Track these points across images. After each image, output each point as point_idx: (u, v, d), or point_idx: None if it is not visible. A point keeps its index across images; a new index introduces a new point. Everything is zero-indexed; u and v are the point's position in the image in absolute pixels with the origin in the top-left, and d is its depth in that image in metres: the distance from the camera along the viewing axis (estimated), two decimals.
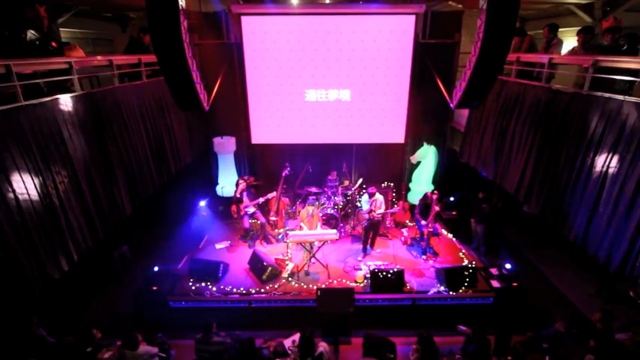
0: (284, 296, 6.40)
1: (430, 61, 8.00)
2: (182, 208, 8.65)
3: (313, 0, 9.82)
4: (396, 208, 8.05)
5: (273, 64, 8.37)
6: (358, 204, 8.17)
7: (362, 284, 6.66)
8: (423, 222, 7.29)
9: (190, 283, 6.65)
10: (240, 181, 7.76)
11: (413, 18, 8.02)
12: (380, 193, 7.45)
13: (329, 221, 8.19)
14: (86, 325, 4.70)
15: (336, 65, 8.36)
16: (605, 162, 4.85)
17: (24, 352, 4.31)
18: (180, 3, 4.64)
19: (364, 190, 7.58)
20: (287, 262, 7.03)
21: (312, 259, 7.11)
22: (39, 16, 4.85)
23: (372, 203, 7.23)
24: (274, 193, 7.87)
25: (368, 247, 7.63)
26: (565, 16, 9.03)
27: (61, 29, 8.18)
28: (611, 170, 4.78)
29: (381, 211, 7.35)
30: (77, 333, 4.61)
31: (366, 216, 7.27)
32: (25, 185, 4.24)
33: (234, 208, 7.82)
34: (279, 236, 8.25)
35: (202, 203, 8.54)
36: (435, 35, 8.30)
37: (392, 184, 9.32)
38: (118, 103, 6.05)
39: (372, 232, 7.56)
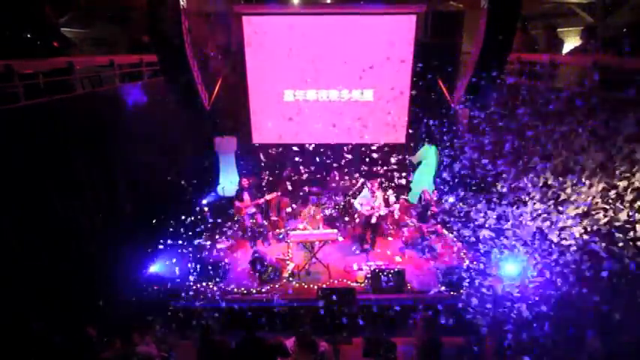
0: (284, 296, 6.40)
1: (431, 61, 7.99)
2: (183, 208, 8.64)
3: (314, 0, 9.82)
4: (393, 207, 7.99)
5: (274, 64, 8.38)
6: (357, 206, 8.12)
7: (363, 284, 6.66)
8: (424, 222, 7.27)
9: (191, 283, 6.66)
10: (242, 181, 7.78)
11: (414, 18, 8.04)
12: (380, 192, 7.45)
13: (330, 221, 8.19)
14: (83, 324, 4.70)
15: (336, 65, 8.37)
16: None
17: (24, 351, 4.31)
18: (181, 3, 4.65)
19: (365, 188, 7.58)
20: (288, 262, 7.03)
21: (313, 259, 7.12)
22: (46, 16, 4.87)
23: (372, 200, 7.21)
24: (275, 194, 7.87)
25: (368, 246, 7.63)
26: (566, 15, 9.02)
27: (62, 29, 8.19)
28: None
29: (382, 211, 7.32)
30: (72, 332, 4.60)
31: (365, 212, 7.25)
32: (26, 184, 4.25)
33: (235, 206, 7.82)
34: (280, 236, 8.25)
35: (204, 202, 8.55)
36: (435, 35, 8.30)
37: (392, 184, 9.31)
38: (119, 103, 6.06)
39: (370, 230, 7.54)
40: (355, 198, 8.68)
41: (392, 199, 7.93)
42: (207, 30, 8.24)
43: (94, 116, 5.49)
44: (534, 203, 6.05)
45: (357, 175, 9.14)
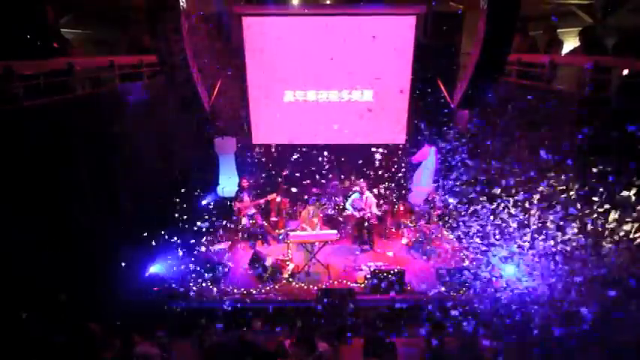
0: (284, 296, 6.40)
1: (431, 62, 8.00)
2: (183, 209, 8.64)
3: (314, 0, 9.83)
4: (385, 207, 8.01)
5: (274, 65, 8.38)
6: (348, 208, 8.09)
7: (362, 285, 6.66)
8: (424, 223, 7.30)
9: (191, 284, 6.66)
10: (242, 181, 7.80)
11: (413, 18, 8.05)
12: (378, 193, 7.49)
13: (330, 222, 8.20)
14: (84, 323, 4.69)
15: (336, 66, 8.37)
16: None
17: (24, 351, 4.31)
18: (180, 4, 4.66)
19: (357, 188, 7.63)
20: (287, 263, 7.04)
21: (313, 260, 7.12)
22: (46, 17, 4.88)
23: (363, 201, 7.26)
24: (274, 194, 7.89)
25: (367, 247, 7.64)
26: (566, 16, 9.02)
27: (62, 30, 8.20)
28: None
29: (374, 210, 7.37)
30: (73, 331, 4.59)
31: (357, 214, 7.30)
32: (26, 185, 4.25)
33: (235, 206, 7.83)
34: (280, 237, 8.26)
35: (203, 203, 8.56)
36: (435, 35, 8.30)
37: (392, 185, 9.32)
38: (119, 104, 6.06)
39: (365, 230, 7.56)
40: None
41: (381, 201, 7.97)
42: (207, 31, 8.26)
43: (95, 117, 5.49)
44: (532, 205, 6.06)
45: (356, 175, 9.15)
